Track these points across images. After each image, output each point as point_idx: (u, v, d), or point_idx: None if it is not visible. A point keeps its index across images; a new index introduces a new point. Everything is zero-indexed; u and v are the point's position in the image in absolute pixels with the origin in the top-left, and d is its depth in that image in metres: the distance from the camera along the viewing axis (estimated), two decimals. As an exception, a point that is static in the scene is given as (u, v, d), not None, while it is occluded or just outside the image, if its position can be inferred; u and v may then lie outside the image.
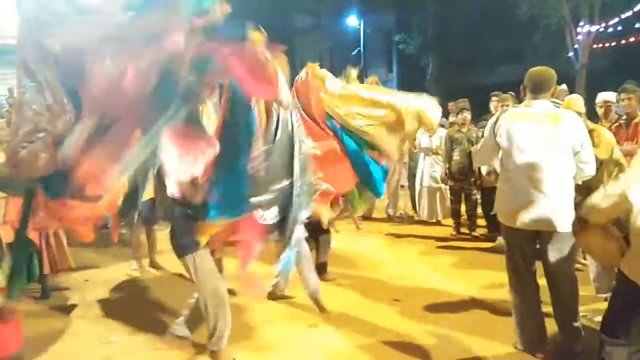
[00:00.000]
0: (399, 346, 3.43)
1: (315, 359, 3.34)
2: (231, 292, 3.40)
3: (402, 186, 7.85)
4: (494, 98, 6.03)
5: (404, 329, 3.69)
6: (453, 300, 4.24)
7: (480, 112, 7.16)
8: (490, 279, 4.63)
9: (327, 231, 4.69)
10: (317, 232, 4.40)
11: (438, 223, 7.31)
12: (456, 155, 6.36)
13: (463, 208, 6.65)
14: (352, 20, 23.53)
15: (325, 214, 3.86)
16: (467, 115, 6.42)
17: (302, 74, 3.97)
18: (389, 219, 7.71)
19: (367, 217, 7.49)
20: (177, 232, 2.98)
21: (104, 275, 5.24)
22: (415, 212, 7.67)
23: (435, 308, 4.10)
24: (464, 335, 3.55)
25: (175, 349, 3.37)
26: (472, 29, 17.99)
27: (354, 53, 22.07)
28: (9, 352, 2.25)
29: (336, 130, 3.90)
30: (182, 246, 2.95)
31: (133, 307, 4.34)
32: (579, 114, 3.64)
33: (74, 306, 4.32)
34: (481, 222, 6.59)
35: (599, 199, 2.36)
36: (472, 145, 5.82)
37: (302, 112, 3.74)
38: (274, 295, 4.24)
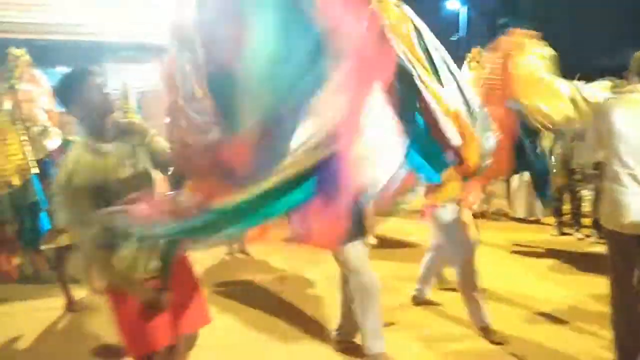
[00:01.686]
0: (485, 355, 3.22)
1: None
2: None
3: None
4: (606, 84, 5.41)
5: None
6: (549, 309, 3.86)
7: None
8: (593, 286, 4.14)
9: None
10: None
11: (537, 221, 6.80)
12: (559, 148, 5.82)
13: (566, 206, 6.11)
14: (453, 4, 22.48)
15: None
16: (570, 104, 5.82)
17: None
18: (482, 215, 7.27)
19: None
20: None
21: (194, 256, 5.53)
22: (511, 208, 7.18)
23: (529, 316, 3.78)
24: (560, 346, 3.25)
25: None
26: (585, 11, 16.31)
27: (453, 38, 21.06)
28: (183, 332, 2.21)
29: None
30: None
31: (213, 292, 4.50)
32: None
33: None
34: (587, 221, 5.99)
35: None
36: (577, 136, 5.29)
37: None
38: (417, 300, 3.98)
